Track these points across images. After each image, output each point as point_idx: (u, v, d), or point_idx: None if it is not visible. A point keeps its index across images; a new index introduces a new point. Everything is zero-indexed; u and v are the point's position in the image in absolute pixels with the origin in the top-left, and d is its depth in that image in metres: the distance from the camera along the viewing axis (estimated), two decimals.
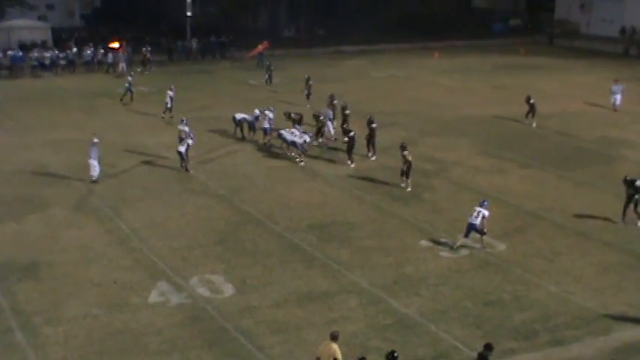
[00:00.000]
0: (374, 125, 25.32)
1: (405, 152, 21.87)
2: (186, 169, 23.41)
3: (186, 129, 25.12)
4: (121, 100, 34.52)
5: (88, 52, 44.80)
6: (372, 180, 23.12)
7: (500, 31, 63.54)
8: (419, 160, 24.67)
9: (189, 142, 23.72)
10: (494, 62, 49.02)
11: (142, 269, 16.66)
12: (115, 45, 47.23)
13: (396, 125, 29.73)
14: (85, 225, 19.24)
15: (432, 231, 19.02)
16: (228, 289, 15.78)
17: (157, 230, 18.86)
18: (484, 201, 18.12)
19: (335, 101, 29.86)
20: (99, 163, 22.52)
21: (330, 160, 25.22)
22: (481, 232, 17.64)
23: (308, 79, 33.37)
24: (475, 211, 17.62)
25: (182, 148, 23.42)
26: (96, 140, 22.61)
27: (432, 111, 33.39)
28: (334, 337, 11.74)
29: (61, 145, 26.74)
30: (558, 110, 32.99)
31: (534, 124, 30.09)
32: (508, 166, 24.90)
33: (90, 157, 22.41)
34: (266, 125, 26.59)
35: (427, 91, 38.34)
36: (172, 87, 31.60)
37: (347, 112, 28.15)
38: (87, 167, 22.50)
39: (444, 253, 17.65)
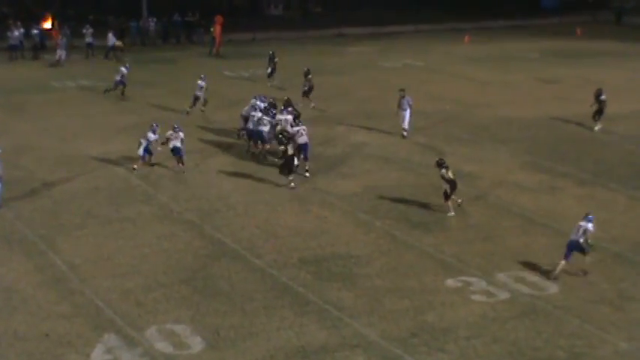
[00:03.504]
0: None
1: (443, 171, 22.01)
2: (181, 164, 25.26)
3: (153, 137, 25.24)
4: (105, 92, 34.88)
5: (16, 33, 44.99)
6: (383, 200, 23.25)
7: (551, 7, 64.03)
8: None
9: (181, 135, 25.29)
10: (541, 48, 49.45)
11: (82, 318, 16.68)
12: (48, 25, 47.60)
13: (413, 130, 29.93)
14: (8, 260, 19.26)
15: (461, 267, 19.11)
16: (197, 344, 15.81)
17: (103, 266, 18.91)
18: (589, 214, 18.48)
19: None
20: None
21: (328, 174, 25.41)
22: (584, 251, 18.12)
23: (307, 73, 33.74)
24: (578, 227, 18.10)
25: (177, 143, 25.12)
26: None
27: (460, 111, 33.65)
28: None
29: None
30: (627, 110, 33.23)
31: (598, 128, 30.32)
32: (561, 183, 25.07)
33: None
34: (262, 128, 26.20)
35: (454, 86, 38.62)
36: (203, 76, 32.58)
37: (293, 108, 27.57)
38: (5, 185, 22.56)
39: (477, 297, 17.72)
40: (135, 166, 25.32)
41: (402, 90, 29.62)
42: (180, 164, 25.39)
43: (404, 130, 29.32)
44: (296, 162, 24.43)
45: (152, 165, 25.51)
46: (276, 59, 38.18)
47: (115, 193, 23.72)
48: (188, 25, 52.99)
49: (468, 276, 18.61)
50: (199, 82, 32.18)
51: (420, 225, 21.49)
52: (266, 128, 26.35)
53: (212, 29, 48.27)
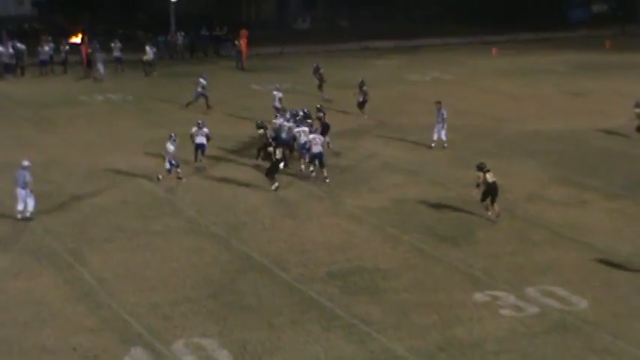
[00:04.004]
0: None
1: (481, 174, 22.43)
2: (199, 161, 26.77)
3: (172, 148, 25.38)
4: (187, 105, 35.42)
5: (46, 48, 45.51)
6: (411, 214, 23.19)
7: (579, 20, 63.68)
8: (472, 185, 24.66)
9: (206, 130, 26.89)
10: (570, 60, 49.19)
11: (110, 332, 16.73)
12: (77, 40, 48.11)
13: (440, 143, 29.90)
14: (38, 274, 19.39)
15: (490, 282, 18.97)
16: (224, 358, 15.77)
17: (131, 280, 18.98)
18: None
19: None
20: (31, 193, 22.44)
21: (356, 188, 25.40)
22: None
23: (362, 84, 34.54)
24: None
25: (202, 140, 26.69)
26: (26, 164, 22.67)
27: (488, 125, 33.54)
28: None
29: (1, 171, 27.03)
30: None
31: None
32: (590, 196, 24.87)
33: (18, 186, 22.41)
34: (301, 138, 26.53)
35: (482, 100, 38.48)
36: (204, 75, 35.05)
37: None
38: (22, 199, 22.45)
39: (506, 311, 17.58)
40: (160, 176, 25.50)
41: (439, 102, 29.71)
42: (202, 159, 26.83)
43: (434, 141, 29.44)
44: (281, 166, 25.17)
45: (180, 178, 25.58)
46: (321, 70, 38.34)
47: (143, 206, 23.84)
48: (216, 39, 53.27)
49: (496, 290, 18.45)
50: (201, 80, 33.31)
51: (447, 239, 21.39)
52: (301, 139, 26.49)
53: (237, 42, 48.54)
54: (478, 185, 22.65)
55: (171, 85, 41.61)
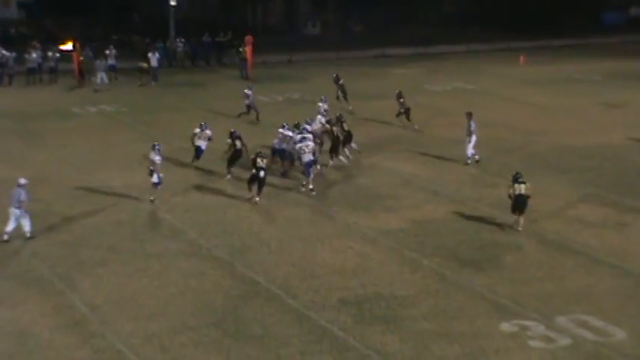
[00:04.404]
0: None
1: (516, 185, 23.03)
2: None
3: (157, 159, 25.52)
4: (239, 115, 36.20)
5: (34, 55, 45.79)
6: (431, 236, 23.22)
7: (615, 25, 63.61)
8: (497, 208, 24.80)
9: (209, 132, 28.38)
10: (605, 69, 49.20)
11: None
12: (68, 47, 48.46)
13: (463, 159, 30.01)
14: (23, 301, 19.41)
15: (518, 310, 18.95)
16: None
17: (126, 308, 19.02)
18: None
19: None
20: (25, 212, 22.61)
21: (371, 207, 25.45)
22: None
23: (400, 96, 35.27)
24: None
25: (202, 143, 28.22)
26: (23, 182, 22.86)
27: (516, 139, 33.62)
28: None
29: None
30: None
31: None
32: (629, 217, 24.82)
33: (12, 205, 22.58)
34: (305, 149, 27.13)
35: (508, 111, 38.54)
36: (250, 85, 37.40)
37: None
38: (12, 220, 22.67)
39: (535, 342, 17.55)
40: (152, 197, 25.58)
41: (470, 114, 29.94)
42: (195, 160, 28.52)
43: (469, 157, 29.75)
44: (262, 174, 25.56)
45: (151, 200, 25.57)
46: (341, 81, 38.60)
47: (139, 227, 23.93)
48: (219, 46, 53.56)
49: (524, 319, 18.42)
50: (246, 91, 34.79)
51: (471, 263, 21.39)
52: (305, 157, 26.89)
53: (241, 50, 48.79)
54: (510, 196, 23.26)
55: (170, 96, 41.86)
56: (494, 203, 25.15)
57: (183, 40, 53.06)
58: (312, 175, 26.80)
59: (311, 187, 26.56)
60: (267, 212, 25.16)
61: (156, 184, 25.40)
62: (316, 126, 30.07)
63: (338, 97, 38.08)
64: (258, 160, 25.56)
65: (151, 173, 25.38)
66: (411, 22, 62.93)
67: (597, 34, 60.62)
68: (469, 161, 29.68)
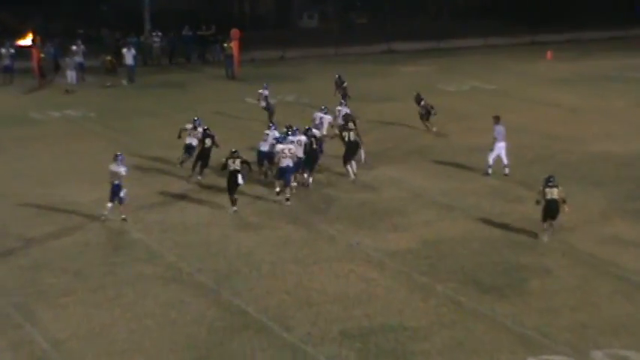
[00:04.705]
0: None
1: (548, 189, 23.48)
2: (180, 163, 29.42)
3: (123, 170, 25.61)
4: (272, 122, 35.77)
5: None
6: (445, 258, 23.17)
7: None
8: (522, 225, 24.83)
9: (201, 130, 29.51)
10: None
11: None
12: (26, 42, 48.55)
13: (482, 169, 30.07)
14: None
15: (546, 343, 18.92)
16: None
17: (94, 343, 18.94)
18: None
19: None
20: None
21: (376, 225, 25.48)
22: None
23: (419, 98, 35.88)
24: None
25: (193, 141, 29.42)
26: None
27: (542, 146, 33.71)
28: None
29: None
30: None
31: None
32: None
33: None
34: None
35: (534, 115, 38.59)
36: (265, 85, 37.21)
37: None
38: None
39: None
40: (123, 216, 25.62)
41: (497, 117, 30.12)
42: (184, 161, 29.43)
43: (506, 167, 29.88)
44: (240, 181, 26.15)
45: (123, 219, 25.67)
46: (344, 84, 38.70)
47: (110, 250, 23.92)
48: (201, 41, 53.61)
49: (554, 354, 18.39)
50: (262, 91, 35.60)
51: (492, 289, 21.36)
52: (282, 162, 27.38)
53: (226, 45, 48.82)
54: (538, 202, 23.57)
55: (146, 98, 41.91)
56: (518, 220, 25.13)
57: (159, 34, 53.12)
58: (292, 184, 27.31)
59: (287, 196, 26.99)
60: (257, 231, 25.15)
61: (122, 200, 25.50)
62: (326, 131, 30.75)
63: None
64: (230, 162, 26.13)
65: (114, 190, 25.36)
66: (422, 14, 63.07)
67: (635, 26, 60.62)
68: (489, 171, 29.74)
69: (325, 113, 32.65)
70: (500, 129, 29.78)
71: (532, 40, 56.90)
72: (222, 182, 27.66)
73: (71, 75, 44.33)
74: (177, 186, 28.81)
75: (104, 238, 24.71)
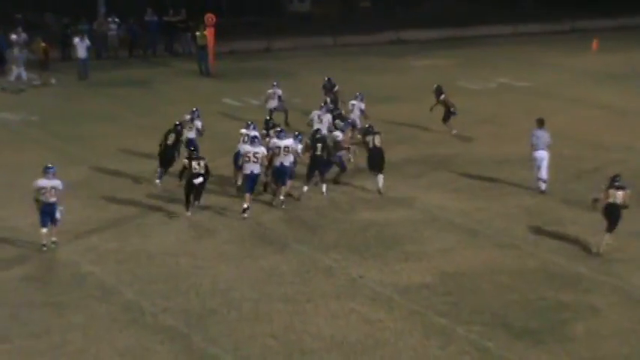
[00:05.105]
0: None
1: (614, 191, 24.29)
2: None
3: (57, 183, 25.38)
4: (287, 124, 36.82)
5: None
6: (467, 294, 23.15)
7: None
8: (562, 254, 24.81)
9: (198, 124, 31.30)
10: None
11: None
12: None
13: (517, 185, 30.22)
14: None
15: None
16: None
17: None
18: None
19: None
20: None
21: (384, 254, 25.33)
22: None
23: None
24: None
25: (192, 134, 30.90)
26: None
27: (587, 156, 33.91)
28: None
29: None
30: None
31: None
32: None
33: None
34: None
35: (575, 118, 38.86)
36: (275, 83, 37.86)
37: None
38: None
39: None
40: (54, 239, 25.53)
41: (541, 121, 30.22)
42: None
43: (541, 181, 30.08)
44: (196, 181, 27.13)
45: (53, 242, 25.60)
46: (336, 88, 38.78)
47: (55, 285, 23.67)
48: (168, 29, 53.56)
49: None
50: (275, 90, 36.59)
51: (525, 333, 21.33)
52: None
53: (199, 34, 48.79)
54: (595, 201, 24.44)
55: (100, 99, 41.94)
56: (557, 248, 25.11)
57: (117, 20, 53.10)
58: (250, 195, 27.98)
59: (246, 205, 27.66)
60: (237, 261, 25.06)
61: (57, 222, 25.49)
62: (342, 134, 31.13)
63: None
64: (194, 163, 27.01)
65: (47, 210, 25.17)
66: None
67: None
68: (543, 186, 29.91)
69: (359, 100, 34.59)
70: (542, 135, 29.92)
71: (573, 27, 57.12)
72: (198, 208, 27.66)
73: (18, 72, 44.23)
74: (139, 206, 28.69)
75: (47, 271, 24.57)
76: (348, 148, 30.86)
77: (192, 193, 27.28)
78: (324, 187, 29.48)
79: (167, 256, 25.34)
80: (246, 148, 28.25)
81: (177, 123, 30.62)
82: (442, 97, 36.13)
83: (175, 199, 28.68)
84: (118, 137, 35.69)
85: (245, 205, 27.65)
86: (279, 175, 28.43)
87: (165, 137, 30.04)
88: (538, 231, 26.76)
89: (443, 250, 25.72)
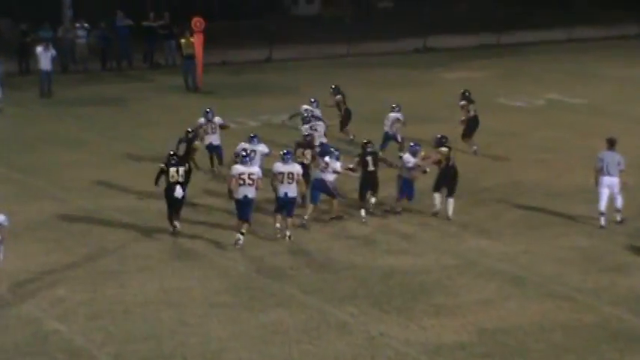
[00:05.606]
0: None
1: None
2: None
3: (2, 219, 25.48)
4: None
5: None
6: (512, 355, 23.02)
7: None
8: (629, 302, 24.81)
9: (218, 120, 33.57)
10: None
11: None
12: None
13: (571, 223, 30.37)
14: None
15: None
16: None
17: None
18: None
19: None
20: None
21: (409, 307, 25.37)
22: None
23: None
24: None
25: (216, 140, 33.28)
26: None
27: None
28: None
29: None
30: None
31: None
32: None
33: None
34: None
35: None
36: (313, 99, 38.37)
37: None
38: None
39: None
40: None
41: (611, 140, 30.51)
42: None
43: (617, 211, 30.47)
44: (179, 193, 28.38)
45: None
46: (338, 97, 39.04)
47: (12, 349, 23.56)
48: (148, 36, 53.77)
49: None
50: (309, 107, 36.80)
51: None
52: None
53: (185, 41, 48.95)
54: None
55: (66, 121, 42.05)
56: (621, 299, 24.96)
57: (86, 25, 53.31)
58: (246, 223, 28.66)
59: (240, 234, 28.44)
60: (233, 315, 25.05)
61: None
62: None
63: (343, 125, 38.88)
64: (172, 170, 27.99)
65: None
66: None
67: None
68: (603, 221, 29.97)
69: (397, 111, 36.48)
70: (611, 157, 30.00)
71: (636, 33, 57.14)
72: (182, 241, 27.76)
73: None
74: (114, 250, 28.73)
75: (3, 331, 24.49)
76: (425, 171, 31.45)
77: (174, 205, 28.05)
78: (363, 212, 30.37)
79: (147, 308, 25.33)
80: (239, 168, 28.41)
81: (190, 130, 31.12)
82: (463, 102, 37.24)
83: (159, 239, 28.85)
84: (88, 167, 35.80)
85: (238, 236, 28.38)
86: (283, 205, 28.83)
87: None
88: (597, 279, 26.70)
89: (481, 301, 25.71)
